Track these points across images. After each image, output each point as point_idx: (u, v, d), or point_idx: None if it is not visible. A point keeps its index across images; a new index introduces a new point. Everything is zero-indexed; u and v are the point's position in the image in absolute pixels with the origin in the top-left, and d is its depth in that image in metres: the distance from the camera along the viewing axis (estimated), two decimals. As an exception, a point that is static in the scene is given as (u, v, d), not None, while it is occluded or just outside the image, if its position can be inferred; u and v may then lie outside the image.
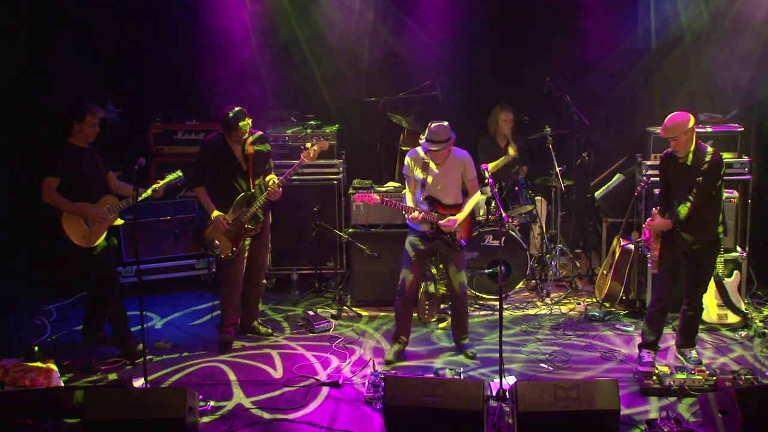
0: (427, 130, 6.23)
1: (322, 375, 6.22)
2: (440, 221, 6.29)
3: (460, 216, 6.34)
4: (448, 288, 6.78)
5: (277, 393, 5.96)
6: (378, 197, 6.48)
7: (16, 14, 8.29)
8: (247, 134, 6.52)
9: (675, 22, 8.14)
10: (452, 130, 6.25)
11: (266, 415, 5.63)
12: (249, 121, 6.48)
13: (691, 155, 5.94)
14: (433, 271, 7.43)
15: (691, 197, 5.92)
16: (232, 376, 6.25)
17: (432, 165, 6.30)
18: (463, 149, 6.44)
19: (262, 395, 5.93)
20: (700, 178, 5.89)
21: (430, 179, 6.32)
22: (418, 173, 6.32)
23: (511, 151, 8.06)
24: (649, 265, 6.64)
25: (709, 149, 5.97)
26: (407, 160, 6.40)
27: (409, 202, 6.36)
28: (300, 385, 6.06)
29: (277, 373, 6.29)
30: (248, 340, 6.94)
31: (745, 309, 7.03)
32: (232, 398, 5.89)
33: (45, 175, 6.25)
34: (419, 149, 6.38)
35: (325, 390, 5.99)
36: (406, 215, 6.38)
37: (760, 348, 6.59)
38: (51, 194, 6.25)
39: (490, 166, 6.87)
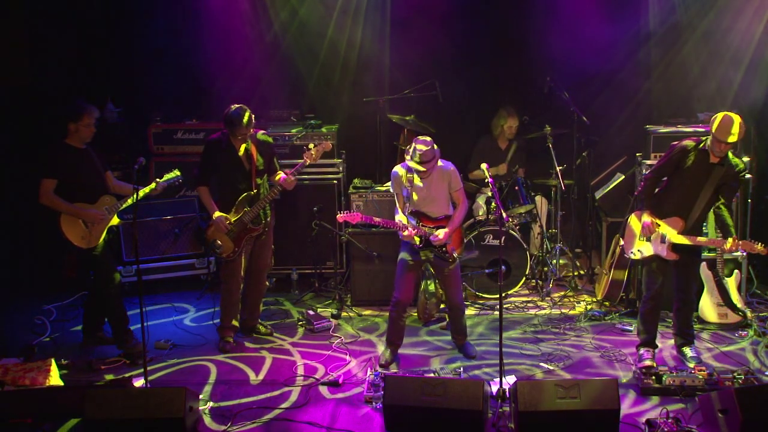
0: (412, 150, 6.12)
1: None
2: (430, 236, 6.25)
3: (450, 228, 6.28)
4: (445, 298, 6.76)
5: (234, 402, 5.82)
6: (360, 216, 6.40)
7: (16, 14, 8.29)
8: (251, 131, 6.51)
9: (674, 20, 8.15)
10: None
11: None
12: (252, 117, 6.45)
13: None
14: (432, 270, 7.39)
15: (723, 206, 5.95)
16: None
17: (416, 179, 6.26)
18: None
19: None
20: (732, 183, 5.93)
21: (415, 194, 6.29)
22: (405, 189, 6.28)
23: (502, 168, 8.07)
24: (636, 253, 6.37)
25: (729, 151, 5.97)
26: (392, 177, 6.36)
27: (403, 220, 6.29)
28: (300, 385, 6.06)
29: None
30: (252, 340, 6.94)
31: (745, 308, 7.03)
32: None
33: (42, 176, 6.24)
34: (399, 167, 6.35)
35: (325, 389, 5.99)
36: (399, 232, 6.34)
37: (761, 347, 6.59)
38: (48, 196, 6.24)
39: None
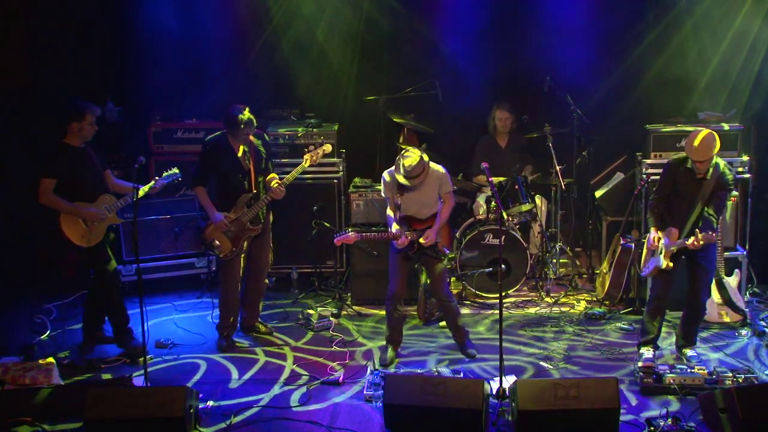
0: (401, 167, 6.09)
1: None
2: (419, 239, 6.26)
3: (435, 227, 6.28)
4: (434, 295, 6.73)
5: (234, 401, 5.80)
6: (356, 236, 6.47)
7: (16, 15, 8.28)
8: (252, 133, 6.50)
9: (673, 18, 8.15)
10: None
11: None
12: (252, 117, 6.45)
13: (710, 170, 5.96)
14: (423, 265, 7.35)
15: (713, 214, 5.98)
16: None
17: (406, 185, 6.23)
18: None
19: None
20: (719, 192, 5.96)
21: (406, 200, 6.29)
22: (396, 195, 6.27)
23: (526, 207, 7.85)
24: (645, 270, 6.39)
25: (720, 162, 5.99)
26: (383, 183, 6.35)
27: (396, 227, 6.31)
28: (300, 384, 6.06)
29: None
30: (251, 339, 6.93)
31: (745, 308, 7.03)
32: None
33: (41, 176, 6.24)
34: (387, 173, 6.32)
35: (325, 388, 5.99)
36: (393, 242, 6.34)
37: (761, 347, 6.59)
38: (48, 195, 6.24)
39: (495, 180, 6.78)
